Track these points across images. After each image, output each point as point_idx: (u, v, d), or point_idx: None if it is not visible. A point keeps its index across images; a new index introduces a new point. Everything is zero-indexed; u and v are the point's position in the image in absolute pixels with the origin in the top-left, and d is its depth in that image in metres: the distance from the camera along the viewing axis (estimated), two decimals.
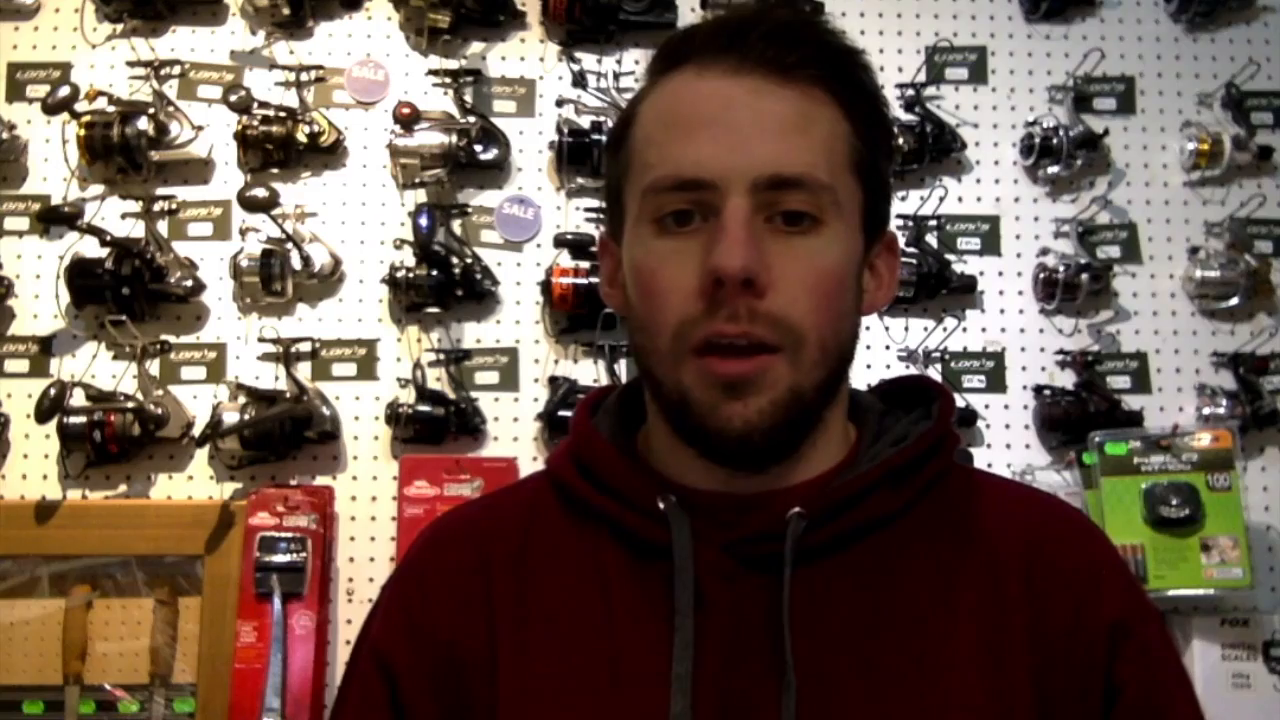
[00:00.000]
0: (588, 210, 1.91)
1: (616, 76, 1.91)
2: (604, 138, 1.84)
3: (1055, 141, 1.90)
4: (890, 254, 0.79)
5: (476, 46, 1.96)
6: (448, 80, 1.90)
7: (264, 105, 1.86)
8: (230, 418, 1.75)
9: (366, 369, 1.86)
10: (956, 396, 1.84)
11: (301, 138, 1.85)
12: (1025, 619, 0.71)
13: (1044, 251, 1.93)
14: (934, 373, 1.88)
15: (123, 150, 1.82)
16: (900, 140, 1.90)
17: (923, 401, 0.80)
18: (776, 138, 0.69)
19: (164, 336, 1.85)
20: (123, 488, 1.81)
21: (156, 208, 1.85)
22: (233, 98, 1.82)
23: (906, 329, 1.91)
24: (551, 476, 0.81)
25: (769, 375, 0.68)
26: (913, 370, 1.87)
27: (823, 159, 0.70)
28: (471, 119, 1.87)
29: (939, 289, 1.88)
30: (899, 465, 0.74)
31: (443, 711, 0.75)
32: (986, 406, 1.89)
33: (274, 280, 1.82)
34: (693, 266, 0.68)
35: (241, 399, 1.79)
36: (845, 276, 0.72)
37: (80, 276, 1.79)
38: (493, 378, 1.87)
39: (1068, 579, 0.73)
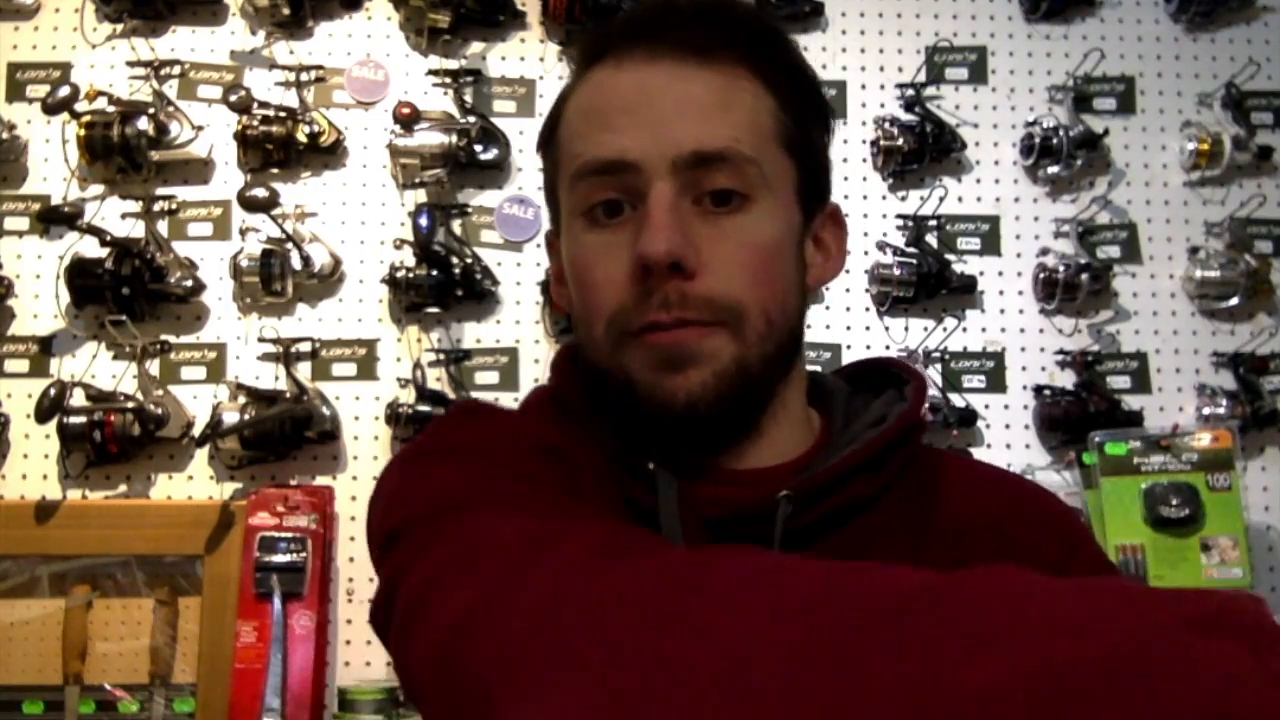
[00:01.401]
0: None
1: None
2: None
3: (1055, 141, 1.90)
4: (835, 225, 0.79)
5: (476, 46, 1.96)
6: (448, 80, 1.90)
7: (264, 105, 1.86)
8: (230, 418, 1.75)
9: (366, 369, 1.86)
10: (956, 396, 1.86)
11: (301, 138, 1.85)
12: None
13: (1044, 251, 1.93)
14: (934, 373, 1.88)
15: (123, 150, 1.82)
16: (900, 140, 1.90)
17: (891, 383, 0.80)
18: (696, 117, 0.68)
19: (164, 336, 1.85)
20: (123, 488, 1.81)
21: (156, 208, 1.85)
22: (233, 98, 1.82)
23: (906, 329, 1.91)
24: (532, 422, 0.77)
25: (708, 345, 0.67)
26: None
27: (745, 134, 0.69)
28: (471, 119, 1.88)
29: (939, 289, 1.88)
30: (882, 446, 0.73)
31: None
32: (986, 406, 1.89)
33: (274, 280, 1.82)
34: (623, 256, 0.68)
35: (241, 399, 1.79)
36: (781, 250, 0.72)
37: (80, 276, 1.79)
38: (493, 378, 1.87)
39: (1037, 553, 0.73)
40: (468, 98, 1.90)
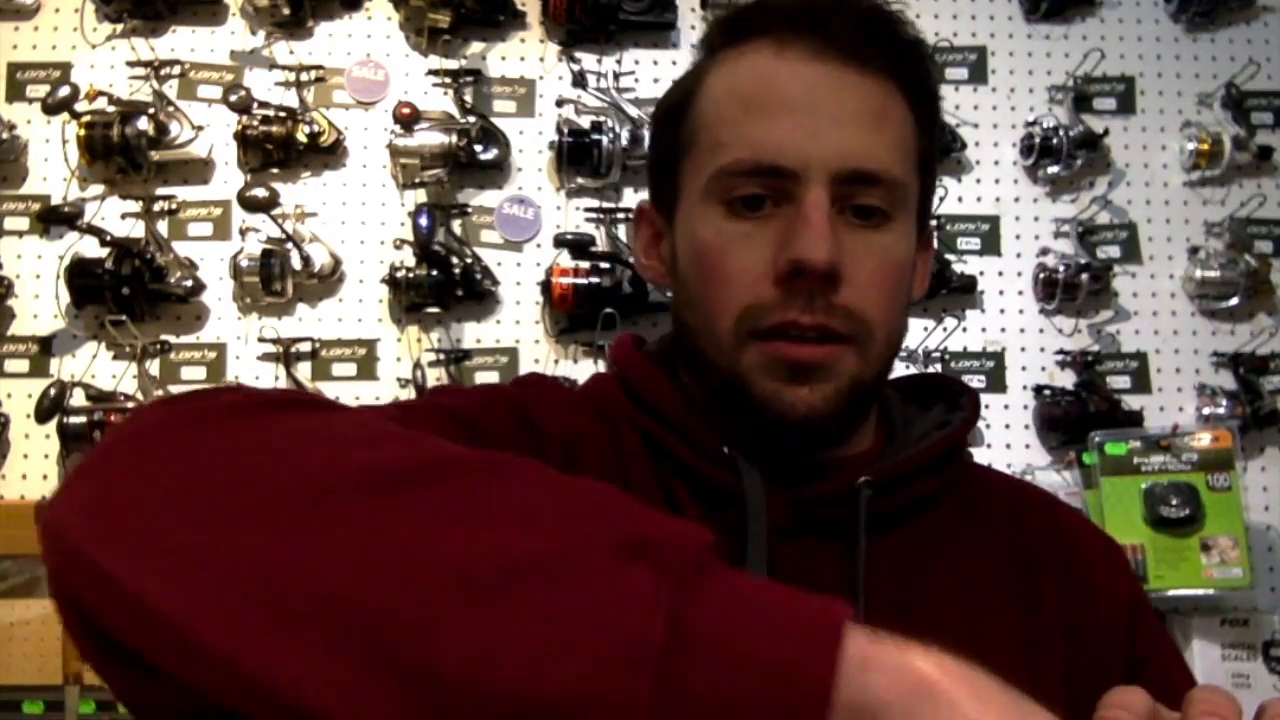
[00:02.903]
0: (588, 210, 1.91)
1: (616, 76, 1.91)
2: (605, 136, 1.84)
3: (1055, 141, 1.90)
4: (927, 249, 0.80)
5: (476, 46, 1.96)
6: (448, 80, 1.90)
7: (264, 105, 1.86)
8: None
9: (366, 369, 1.86)
10: None
11: (301, 138, 1.85)
12: (1055, 603, 0.73)
13: (1044, 251, 1.93)
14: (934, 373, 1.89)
15: (123, 150, 1.82)
16: None
17: (940, 397, 0.81)
18: (857, 130, 0.68)
19: (164, 336, 1.85)
20: None
21: (156, 208, 1.85)
22: (233, 98, 1.82)
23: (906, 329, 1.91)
24: (603, 401, 0.77)
25: (838, 364, 0.68)
26: (912, 370, 1.87)
27: (897, 155, 0.70)
28: (471, 119, 1.87)
29: (939, 289, 1.88)
30: (950, 445, 0.74)
31: None
32: (986, 406, 1.89)
33: (274, 280, 1.82)
34: (764, 251, 0.68)
35: None
36: (907, 271, 0.73)
37: (80, 276, 1.79)
38: (493, 378, 1.87)
39: (1091, 563, 0.77)
40: (468, 98, 1.90)
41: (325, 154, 1.89)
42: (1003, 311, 1.93)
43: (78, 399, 1.78)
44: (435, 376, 1.85)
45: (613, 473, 0.71)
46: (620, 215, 1.88)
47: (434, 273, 1.82)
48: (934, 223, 1.89)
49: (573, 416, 0.73)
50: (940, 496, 0.74)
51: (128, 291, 1.78)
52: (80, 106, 1.80)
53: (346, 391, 1.85)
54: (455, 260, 1.84)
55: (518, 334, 1.89)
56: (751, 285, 0.68)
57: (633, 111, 1.87)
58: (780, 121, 0.68)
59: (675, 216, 0.75)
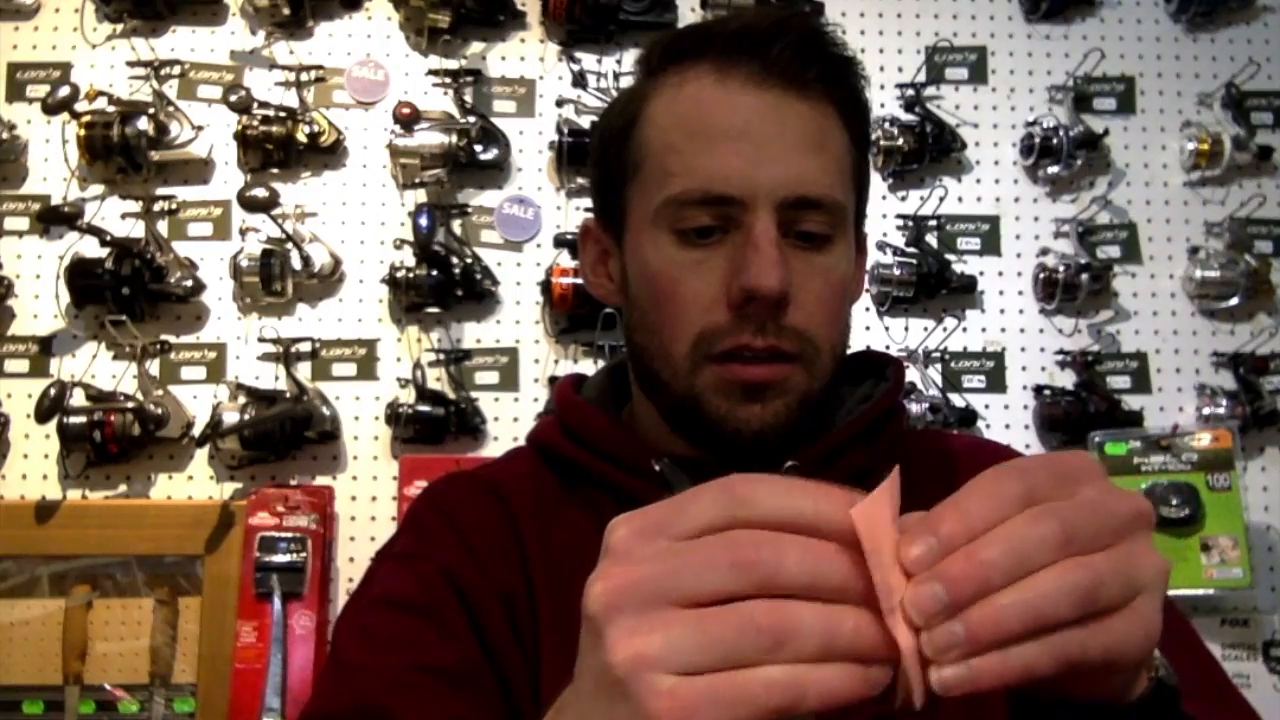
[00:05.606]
0: (588, 210, 1.90)
1: (616, 76, 1.91)
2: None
3: (1055, 141, 1.90)
4: (861, 253, 0.82)
5: (476, 46, 1.96)
6: (448, 80, 1.90)
7: (264, 105, 1.86)
8: (230, 418, 1.75)
9: (366, 369, 1.86)
10: (956, 396, 1.86)
11: (301, 138, 1.85)
12: None
13: (1044, 251, 1.93)
14: (934, 373, 1.89)
15: (123, 150, 1.82)
16: (900, 140, 1.90)
17: (870, 372, 0.84)
18: (799, 156, 0.70)
19: (164, 336, 1.85)
20: (123, 488, 1.81)
21: (156, 208, 1.85)
22: (233, 98, 1.82)
23: (906, 329, 1.91)
24: (540, 447, 0.82)
25: (788, 381, 0.71)
26: (912, 369, 1.87)
27: (836, 177, 0.72)
28: (471, 119, 1.88)
29: (939, 289, 1.88)
30: (875, 417, 0.77)
31: (505, 638, 0.73)
32: (986, 406, 1.89)
33: (274, 280, 1.82)
34: (715, 278, 0.70)
35: (241, 399, 1.79)
36: (849, 285, 0.76)
37: (80, 276, 1.79)
38: (493, 378, 1.87)
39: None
40: (468, 98, 1.90)
41: (325, 154, 1.89)
42: (1003, 311, 1.93)
43: (78, 399, 1.78)
44: (435, 376, 1.85)
45: (500, 526, 0.76)
46: None
47: (434, 273, 1.82)
48: (934, 223, 1.92)
49: (495, 544, 0.77)
50: (875, 470, 0.74)
51: (128, 291, 1.78)
52: (80, 106, 1.80)
53: (347, 391, 1.85)
54: (455, 260, 1.84)
55: (518, 334, 1.89)
56: (705, 311, 0.71)
57: None
58: (726, 150, 0.70)
59: (624, 239, 0.78)
